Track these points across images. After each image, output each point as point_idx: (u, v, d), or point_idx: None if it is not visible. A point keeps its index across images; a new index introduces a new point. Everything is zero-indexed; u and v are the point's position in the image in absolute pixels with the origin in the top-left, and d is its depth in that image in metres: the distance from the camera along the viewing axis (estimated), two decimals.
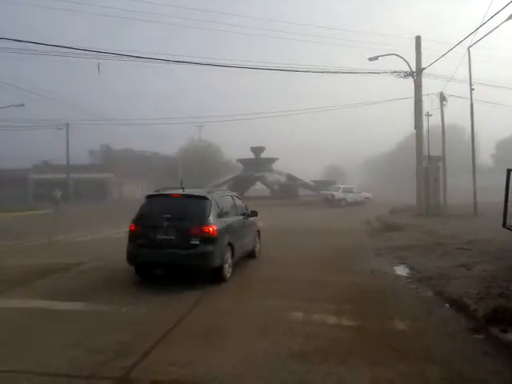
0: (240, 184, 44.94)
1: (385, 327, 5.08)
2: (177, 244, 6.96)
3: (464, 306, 5.53)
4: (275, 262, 9.38)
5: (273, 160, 46.52)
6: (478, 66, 22.26)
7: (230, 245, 7.78)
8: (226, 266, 7.57)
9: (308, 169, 53.81)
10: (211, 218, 7.22)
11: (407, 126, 27.88)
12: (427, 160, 21.19)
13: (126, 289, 7.05)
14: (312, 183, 47.04)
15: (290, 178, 45.40)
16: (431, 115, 21.94)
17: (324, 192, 35.73)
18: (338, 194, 34.13)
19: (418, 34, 20.84)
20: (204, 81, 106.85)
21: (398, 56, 20.95)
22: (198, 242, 6.96)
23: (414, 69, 20.75)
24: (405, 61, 20.92)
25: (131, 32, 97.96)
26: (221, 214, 7.70)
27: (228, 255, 7.67)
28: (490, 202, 20.47)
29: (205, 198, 7.53)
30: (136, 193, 51.05)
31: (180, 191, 7.83)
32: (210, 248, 7.01)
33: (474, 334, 4.75)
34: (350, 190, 35.31)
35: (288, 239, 13.61)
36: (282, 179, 45.16)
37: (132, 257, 7.30)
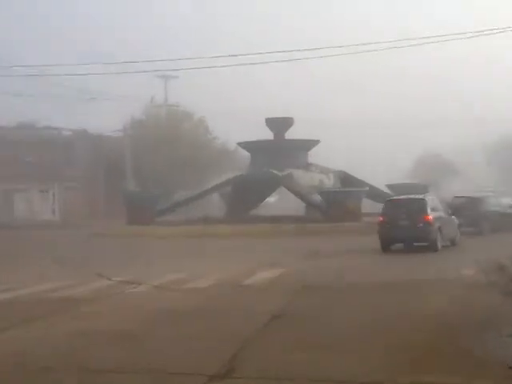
0: (245, 191, 29.95)
1: None
2: (409, 226, 17.13)
3: None
4: None
5: (311, 143, 31.45)
6: None
7: (439, 228, 17.43)
8: (438, 241, 17.11)
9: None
10: (428, 211, 17.30)
11: None
12: None
13: None
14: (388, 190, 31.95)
15: (346, 179, 30.97)
16: None
17: None
18: None
19: None
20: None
21: None
22: (422, 225, 17.03)
23: None
24: None
25: None
26: (432, 210, 17.66)
27: (438, 234, 17.27)
28: None
29: (423, 199, 18.22)
30: (43, 213, 36.29)
31: (407, 196, 19.68)
32: (428, 228, 16.98)
33: None
34: None
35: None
36: (330, 182, 30.33)
37: (383, 235, 17.21)
